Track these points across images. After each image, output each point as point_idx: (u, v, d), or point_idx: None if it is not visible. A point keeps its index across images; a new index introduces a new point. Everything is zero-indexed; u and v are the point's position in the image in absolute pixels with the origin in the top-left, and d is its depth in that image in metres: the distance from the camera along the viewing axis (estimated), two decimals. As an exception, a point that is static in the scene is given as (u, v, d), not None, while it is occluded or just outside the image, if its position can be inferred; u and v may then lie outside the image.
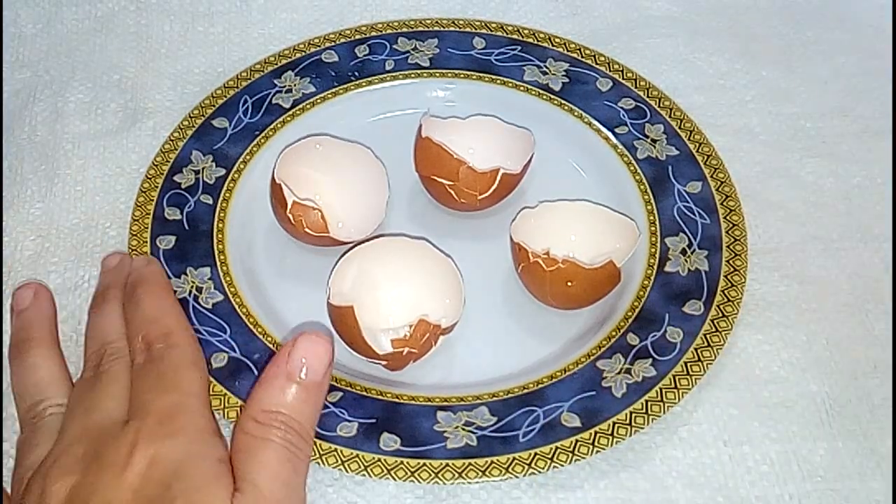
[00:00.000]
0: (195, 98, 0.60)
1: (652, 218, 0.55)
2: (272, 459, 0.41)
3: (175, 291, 0.51)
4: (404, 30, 0.62)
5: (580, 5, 0.67)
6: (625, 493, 0.47)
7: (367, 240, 0.52)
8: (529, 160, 0.54)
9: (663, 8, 0.68)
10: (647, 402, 0.48)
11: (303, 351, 0.42)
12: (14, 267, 0.53)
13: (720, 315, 0.51)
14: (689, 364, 0.49)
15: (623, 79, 0.60)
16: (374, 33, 0.62)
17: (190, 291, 0.51)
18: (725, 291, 0.51)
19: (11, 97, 0.60)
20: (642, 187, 0.56)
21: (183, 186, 0.55)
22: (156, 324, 0.47)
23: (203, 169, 0.56)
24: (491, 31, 0.62)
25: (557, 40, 0.62)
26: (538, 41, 0.62)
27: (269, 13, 0.65)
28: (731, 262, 0.53)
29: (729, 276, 0.52)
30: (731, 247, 0.53)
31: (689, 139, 0.57)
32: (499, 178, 0.53)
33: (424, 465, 0.46)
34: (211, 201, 0.55)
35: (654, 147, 0.57)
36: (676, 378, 0.49)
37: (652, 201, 0.56)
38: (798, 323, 0.53)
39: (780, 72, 0.64)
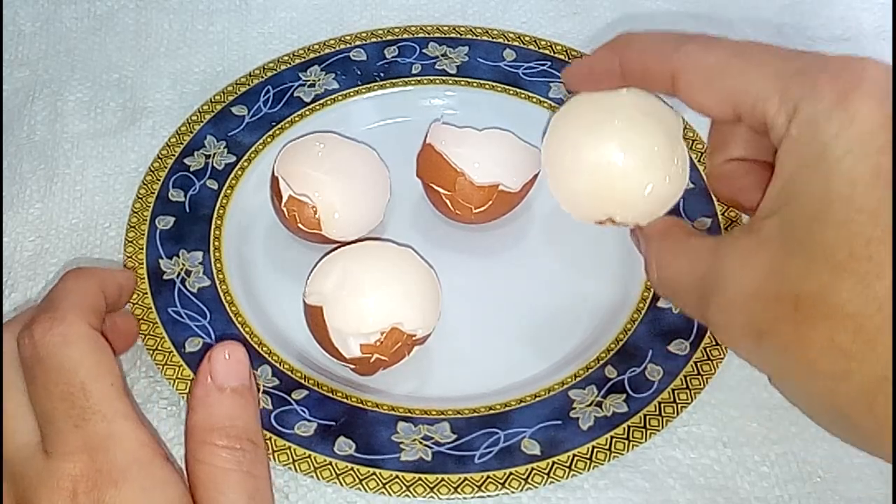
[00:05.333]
0: (194, 97, 0.60)
1: (654, 250, 0.54)
2: (238, 495, 0.39)
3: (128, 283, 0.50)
4: (436, 35, 0.62)
5: (580, 5, 0.67)
6: (625, 494, 0.47)
7: (358, 241, 0.52)
8: (532, 179, 0.53)
9: (663, 7, 0.67)
10: (611, 437, 0.47)
11: (221, 362, 0.41)
12: (14, 268, 0.54)
13: (705, 358, 0.49)
14: (662, 404, 0.48)
15: (649, 105, 0.58)
16: (406, 35, 0.62)
17: (178, 274, 0.52)
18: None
19: (10, 96, 0.61)
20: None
21: (192, 169, 0.56)
22: (48, 304, 0.42)
23: (214, 154, 0.56)
24: (523, 43, 0.61)
25: (589, 59, 0.60)
26: (569, 58, 0.61)
27: (269, 12, 0.66)
28: (726, 304, 0.51)
29: (722, 319, 0.50)
30: (729, 289, 0.51)
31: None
32: (496, 193, 0.52)
33: (374, 473, 0.45)
34: (216, 187, 0.55)
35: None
36: (647, 417, 0.47)
37: (657, 233, 0.54)
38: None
39: None
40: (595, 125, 0.44)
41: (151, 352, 0.49)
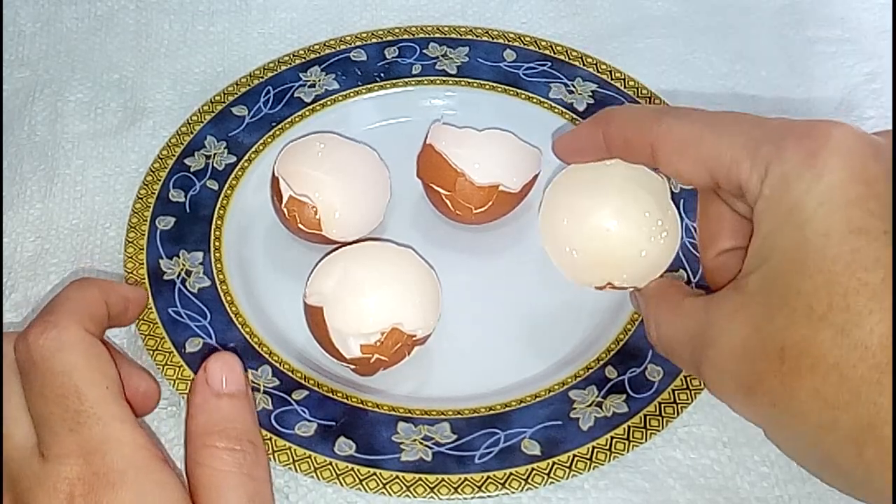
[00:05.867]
0: (195, 98, 0.60)
1: (655, 251, 0.54)
2: (238, 497, 0.39)
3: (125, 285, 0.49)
4: (437, 35, 0.62)
5: (580, 5, 0.67)
6: (625, 494, 0.47)
7: (359, 241, 0.52)
8: (533, 180, 0.54)
9: (663, 8, 0.67)
10: (612, 438, 0.47)
11: (217, 369, 0.41)
12: (14, 268, 0.54)
13: (705, 358, 0.49)
14: (662, 405, 0.48)
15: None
16: (406, 36, 0.62)
17: (178, 274, 0.52)
18: (715, 334, 0.50)
19: (11, 96, 0.61)
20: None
21: (192, 170, 0.56)
22: (46, 310, 0.42)
23: (215, 154, 0.56)
24: (524, 44, 0.61)
25: (589, 60, 0.61)
26: (570, 59, 0.61)
27: (269, 12, 0.66)
28: (727, 304, 0.51)
29: (722, 319, 0.50)
30: (729, 289, 0.51)
31: (706, 174, 0.56)
32: (496, 194, 0.52)
33: (374, 474, 0.45)
34: (217, 187, 0.55)
35: (670, 180, 0.56)
36: (647, 417, 0.47)
37: (657, 234, 0.54)
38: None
39: (780, 72, 0.63)
40: (588, 196, 0.48)
41: (151, 352, 0.49)
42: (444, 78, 0.60)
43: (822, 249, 0.35)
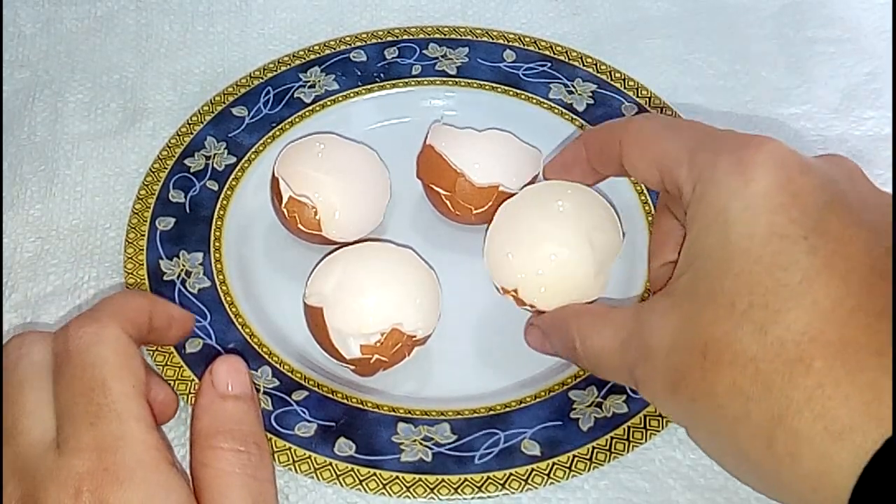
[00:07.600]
0: (195, 98, 0.60)
1: (654, 250, 0.54)
2: (242, 498, 0.39)
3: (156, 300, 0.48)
4: (436, 35, 0.62)
5: (580, 6, 0.67)
6: (625, 494, 0.47)
7: (359, 242, 0.52)
8: (532, 180, 0.54)
9: (663, 8, 0.67)
10: (612, 438, 0.47)
11: (223, 371, 0.41)
12: (14, 269, 0.54)
13: (705, 358, 0.49)
14: (662, 405, 0.48)
15: (650, 106, 0.59)
16: (406, 36, 0.62)
17: (178, 275, 0.52)
18: (715, 335, 0.50)
19: (11, 97, 0.61)
20: (650, 218, 0.55)
21: (192, 170, 0.56)
22: (90, 309, 0.43)
23: (214, 155, 0.56)
24: (523, 44, 0.62)
25: (589, 60, 0.61)
26: (569, 60, 0.61)
27: (269, 13, 0.66)
28: (727, 304, 0.51)
29: (722, 320, 0.50)
30: (729, 289, 0.51)
31: (706, 174, 0.56)
32: (496, 194, 0.52)
33: (374, 474, 0.46)
34: (216, 188, 0.55)
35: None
36: (647, 418, 0.47)
37: (657, 233, 0.54)
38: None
39: (780, 72, 0.64)
40: (545, 209, 0.51)
41: (151, 352, 0.49)
42: (444, 78, 0.60)
43: (745, 250, 0.37)
